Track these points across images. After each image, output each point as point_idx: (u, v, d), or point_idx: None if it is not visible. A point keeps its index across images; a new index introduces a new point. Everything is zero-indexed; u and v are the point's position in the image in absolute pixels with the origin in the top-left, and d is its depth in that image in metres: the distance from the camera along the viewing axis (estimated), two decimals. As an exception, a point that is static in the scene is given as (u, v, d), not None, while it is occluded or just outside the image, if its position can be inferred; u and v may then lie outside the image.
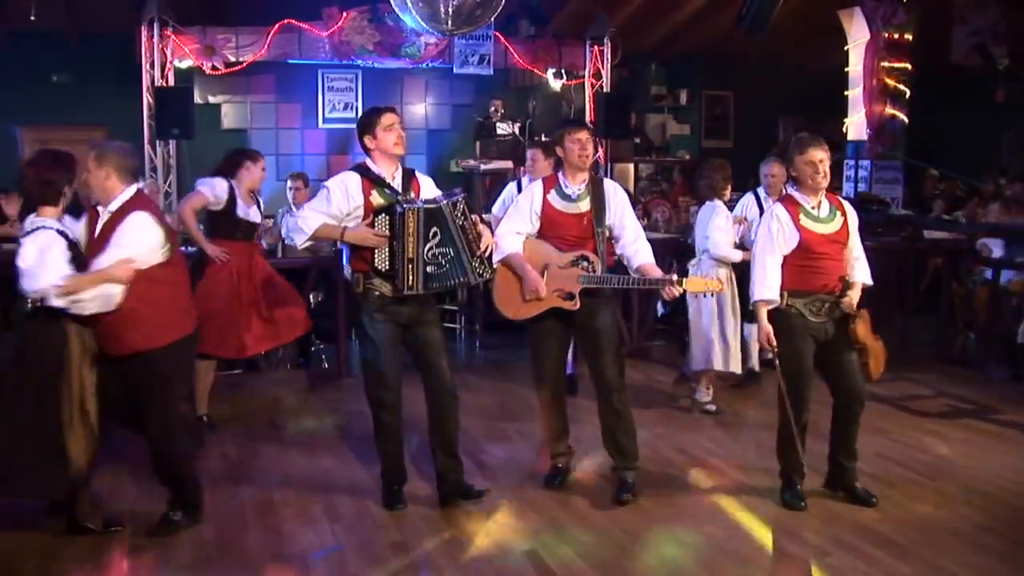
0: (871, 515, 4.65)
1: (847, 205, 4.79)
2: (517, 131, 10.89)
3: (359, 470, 5.37)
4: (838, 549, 4.32)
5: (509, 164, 10.49)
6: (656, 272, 4.77)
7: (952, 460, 5.59)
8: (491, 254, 4.68)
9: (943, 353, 8.13)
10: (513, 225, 4.94)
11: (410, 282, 4.44)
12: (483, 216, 4.80)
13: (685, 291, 4.70)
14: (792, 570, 4.17)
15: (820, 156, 4.60)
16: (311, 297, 7.60)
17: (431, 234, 4.42)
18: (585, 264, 4.76)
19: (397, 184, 4.65)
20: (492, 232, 4.81)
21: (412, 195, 4.64)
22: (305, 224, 4.55)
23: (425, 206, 4.43)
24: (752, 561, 4.22)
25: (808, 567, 4.18)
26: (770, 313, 4.69)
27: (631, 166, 12.81)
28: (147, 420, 4.31)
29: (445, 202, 4.46)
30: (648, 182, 12.88)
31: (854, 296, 4.62)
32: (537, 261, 4.83)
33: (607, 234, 4.86)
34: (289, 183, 8.05)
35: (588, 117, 10.70)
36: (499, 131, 10.89)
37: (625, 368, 4.98)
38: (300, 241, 4.60)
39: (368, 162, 4.66)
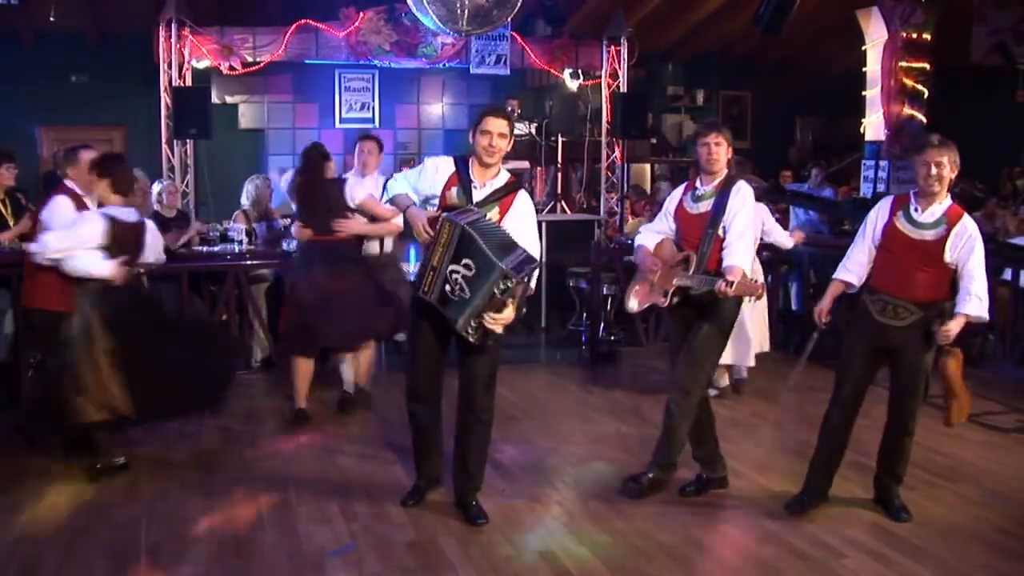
0: (887, 517, 4.65)
1: (966, 224, 4.44)
2: (534, 131, 10.88)
3: (376, 470, 5.38)
4: (855, 551, 4.31)
5: (526, 164, 10.48)
6: (735, 275, 4.49)
7: (971, 462, 5.56)
8: (490, 331, 4.33)
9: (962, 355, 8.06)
10: (653, 224, 5.10)
11: (425, 287, 4.34)
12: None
13: (734, 293, 4.45)
14: (808, 572, 4.14)
15: (936, 159, 4.43)
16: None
17: (461, 260, 4.18)
18: (684, 265, 4.70)
19: (482, 194, 4.49)
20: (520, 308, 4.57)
21: (496, 211, 4.46)
22: (392, 187, 4.71)
23: (463, 225, 4.19)
24: (768, 562, 4.21)
25: (825, 569, 4.16)
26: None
27: (647, 166, 12.80)
28: None
29: (499, 268, 4.10)
30: (665, 182, 12.86)
31: (951, 327, 4.38)
32: (659, 259, 4.89)
33: (719, 236, 4.70)
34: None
35: (605, 117, 10.70)
36: (516, 131, 10.87)
37: (699, 377, 4.78)
38: (384, 198, 4.89)
39: (471, 159, 4.54)
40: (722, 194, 4.74)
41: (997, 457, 5.66)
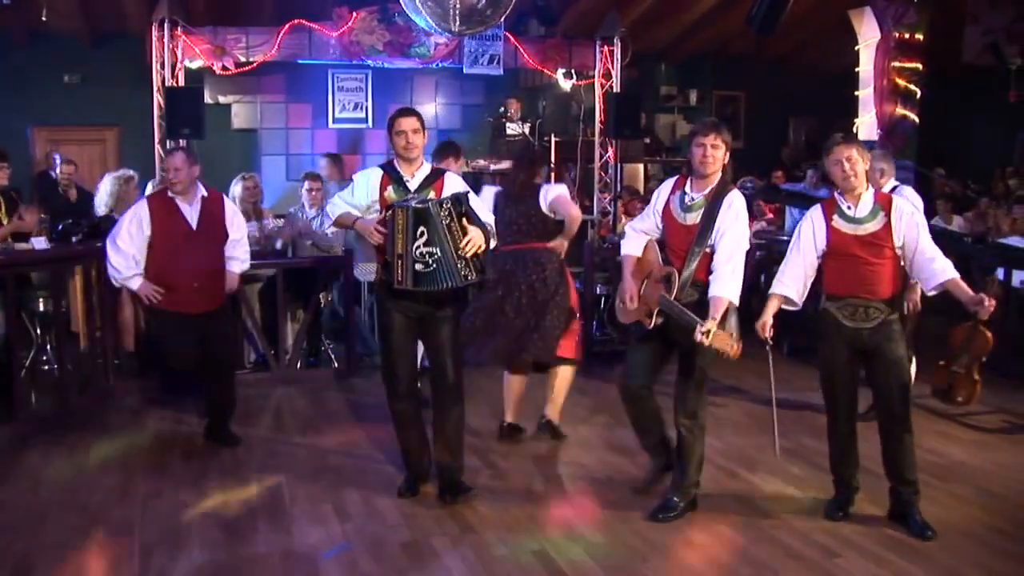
0: (882, 516, 4.63)
1: (900, 204, 4.46)
2: (527, 131, 10.87)
3: (369, 469, 5.38)
4: (848, 550, 4.32)
5: (519, 164, 10.45)
6: (716, 310, 4.32)
7: (964, 462, 5.57)
8: (480, 255, 4.56)
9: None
10: (640, 223, 4.86)
11: (399, 277, 4.51)
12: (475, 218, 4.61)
13: (709, 344, 4.24)
14: (803, 571, 4.15)
15: (846, 154, 4.42)
16: (321, 297, 7.61)
17: (418, 233, 4.44)
18: (666, 285, 4.48)
19: (415, 183, 4.75)
20: (488, 233, 4.63)
21: (432, 195, 4.68)
22: (331, 210, 4.91)
23: (413, 206, 4.48)
24: (762, 561, 4.21)
25: (818, 568, 4.16)
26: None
27: (641, 166, 12.80)
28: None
29: (432, 202, 4.49)
30: (657, 182, 12.86)
31: (992, 302, 4.31)
32: (644, 268, 4.71)
33: (708, 252, 4.48)
34: (306, 184, 8.06)
35: (598, 117, 10.70)
36: (509, 131, 10.89)
37: (703, 397, 4.69)
38: (327, 226, 5.13)
39: (395, 160, 4.83)
40: (713, 205, 4.48)
41: (989, 456, 5.67)
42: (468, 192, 4.72)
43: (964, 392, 5.30)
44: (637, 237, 4.81)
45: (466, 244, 4.47)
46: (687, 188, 4.62)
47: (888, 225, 4.43)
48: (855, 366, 4.62)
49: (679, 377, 4.69)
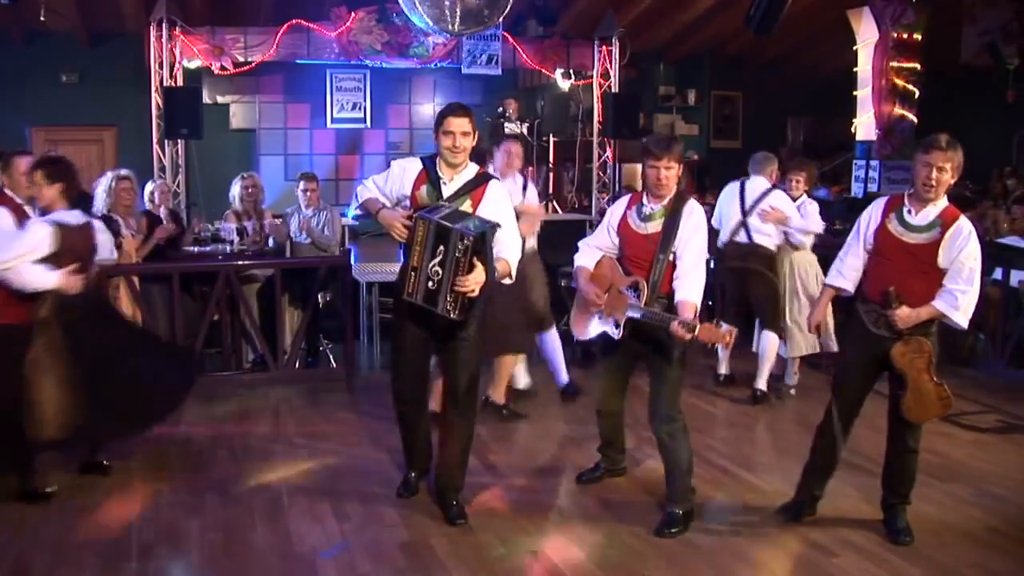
0: (880, 516, 4.61)
1: (964, 228, 4.17)
2: (526, 131, 10.89)
3: (367, 470, 5.37)
4: (846, 550, 4.32)
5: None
6: (687, 313, 4.23)
7: (962, 461, 5.57)
8: (472, 299, 4.34)
9: (952, 354, 8.08)
10: (593, 239, 4.82)
11: (410, 289, 4.34)
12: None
13: (696, 338, 4.16)
14: (800, 570, 4.15)
15: (941, 163, 4.16)
16: (319, 297, 7.60)
17: (437, 251, 4.22)
18: (633, 293, 4.44)
19: (454, 187, 4.50)
20: (491, 278, 4.37)
21: (468, 204, 4.46)
22: (361, 192, 4.71)
23: (437, 220, 4.23)
24: (761, 562, 4.22)
25: (816, 568, 4.17)
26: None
27: (639, 166, 12.78)
28: None
29: (455, 230, 4.17)
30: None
31: (905, 315, 4.17)
32: (604, 282, 4.65)
33: (671, 260, 4.44)
34: (302, 184, 8.03)
35: (596, 117, 10.71)
36: (507, 131, 10.89)
37: (678, 400, 4.58)
38: (352, 207, 4.88)
39: (437, 157, 4.56)
40: (673, 215, 4.44)
41: (987, 456, 5.67)
42: (498, 225, 4.38)
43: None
44: (591, 251, 4.79)
45: (460, 283, 4.20)
46: (644, 201, 4.59)
47: (938, 243, 4.19)
48: (872, 375, 4.44)
49: (652, 384, 4.62)
